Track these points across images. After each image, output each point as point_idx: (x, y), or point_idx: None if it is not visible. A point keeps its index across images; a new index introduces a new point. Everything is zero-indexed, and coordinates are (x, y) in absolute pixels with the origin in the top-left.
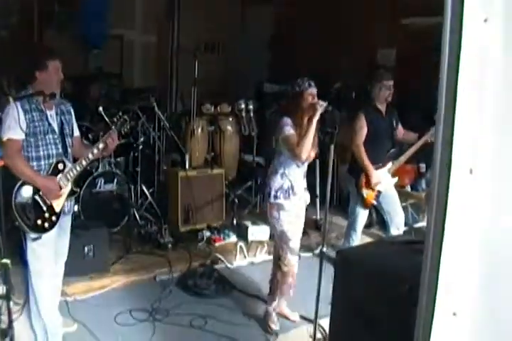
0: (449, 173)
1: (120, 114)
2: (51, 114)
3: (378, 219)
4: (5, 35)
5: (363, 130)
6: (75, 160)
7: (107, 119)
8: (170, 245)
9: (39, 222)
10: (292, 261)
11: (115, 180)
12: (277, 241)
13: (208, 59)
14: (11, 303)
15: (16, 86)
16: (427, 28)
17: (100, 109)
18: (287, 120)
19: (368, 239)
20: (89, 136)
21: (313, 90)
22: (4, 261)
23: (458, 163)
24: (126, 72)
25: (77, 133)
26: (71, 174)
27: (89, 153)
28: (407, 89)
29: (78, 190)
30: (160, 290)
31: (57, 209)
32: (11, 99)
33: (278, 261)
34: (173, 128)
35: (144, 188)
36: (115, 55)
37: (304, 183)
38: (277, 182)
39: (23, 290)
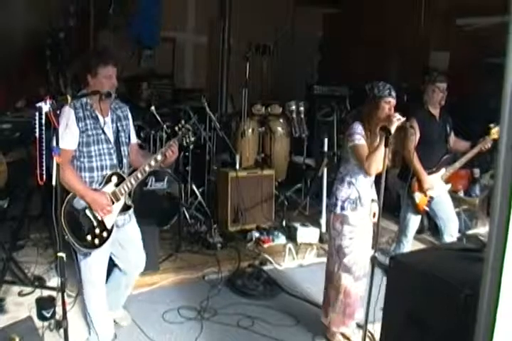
0: None
1: (183, 122)
2: (106, 121)
3: (430, 225)
4: (62, 36)
5: (414, 135)
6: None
7: (158, 118)
8: (219, 245)
9: (89, 237)
10: (344, 280)
11: (166, 179)
12: (333, 255)
13: (259, 60)
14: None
15: (73, 86)
16: (484, 29)
17: (152, 108)
18: (358, 127)
19: (419, 245)
20: (141, 134)
21: (393, 100)
22: (60, 254)
23: None
24: (177, 73)
25: (134, 140)
26: (125, 188)
27: (146, 165)
28: (461, 94)
29: (132, 204)
30: (208, 289)
31: (108, 225)
32: (69, 99)
33: (329, 275)
34: (223, 128)
35: (194, 188)
36: (167, 56)
37: (372, 193)
38: (344, 191)
39: (75, 282)
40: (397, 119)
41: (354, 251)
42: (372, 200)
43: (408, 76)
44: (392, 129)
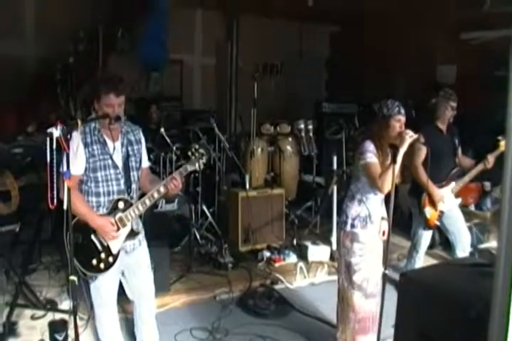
0: None
1: (196, 147)
2: (115, 145)
3: (442, 239)
4: (72, 61)
5: (421, 150)
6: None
7: (168, 140)
8: (230, 265)
9: (94, 262)
10: (355, 297)
11: (176, 200)
12: (343, 272)
13: (267, 80)
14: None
15: (83, 110)
16: (490, 42)
17: (162, 130)
18: (370, 145)
19: (431, 260)
20: (151, 156)
21: (402, 117)
22: (72, 277)
23: None
24: (186, 95)
25: (145, 164)
26: (132, 214)
27: (154, 192)
28: (469, 108)
29: (140, 230)
30: (220, 310)
31: (114, 250)
32: (79, 123)
33: (341, 293)
34: (233, 148)
35: (205, 208)
36: (175, 78)
37: (382, 211)
38: (354, 209)
39: (87, 305)
40: (410, 136)
41: (364, 268)
42: (383, 218)
43: (416, 91)
44: (405, 146)
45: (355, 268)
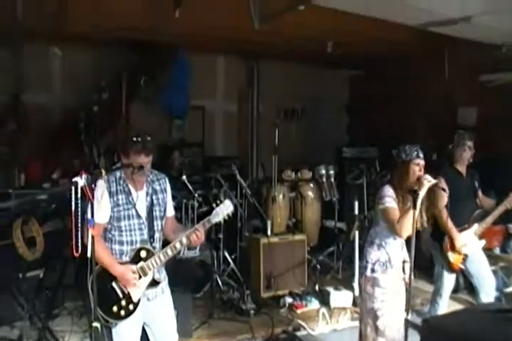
0: None
1: (221, 198)
2: (140, 195)
3: (466, 283)
4: (96, 110)
5: (443, 193)
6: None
7: (190, 187)
8: (252, 311)
9: (115, 308)
10: None
11: (198, 247)
12: (365, 318)
13: (288, 125)
14: None
15: (106, 157)
16: (508, 85)
17: (184, 177)
18: (389, 190)
19: (455, 305)
20: (173, 203)
21: (421, 161)
22: (95, 324)
23: None
24: (207, 141)
25: (170, 213)
26: (153, 263)
27: (176, 243)
28: (490, 150)
29: (162, 279)
30: None
31: (134, 298)
32: (103, 173)
33: (363, 339)
34: (254, 194)
35: (227, 254)
36: (197, 125)
37: (402, 255)
38: (374, 254)
39: None
40: (428, 181)
41: (386, 313)
42: (405, 262)
43: (436, 133)
44: (423, 191)
45: (378, 313)
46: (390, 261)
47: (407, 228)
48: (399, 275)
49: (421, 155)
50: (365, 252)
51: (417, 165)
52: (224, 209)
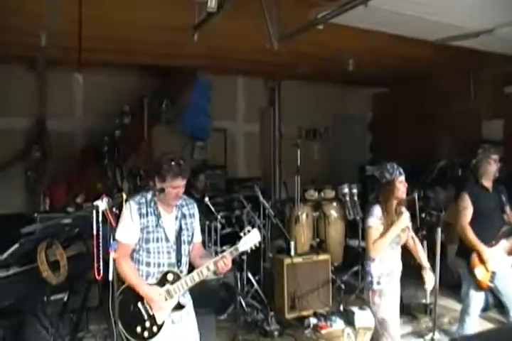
0: None
1: (249, 228)
2: (170, 218)
3: (496, 301)
4: (119, 134)
5: (467, 210)
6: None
7: (212, 209)
8: (276, 332)
9: (139, 329)
10: None
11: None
12: (378, 329)
13: (310, 145)
14: None
15: (129, 180)
16: None
17: (206, 199)
18: (376, 209)
19: (485, 324)
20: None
21: (403, 178)
22: None
23: None
24: (230, 162)
25: (198, 239)
26: (180, 288)
27: (203, 268)
28: None
29: (187, 303)
30: None
31: (159, 321)
32: (124, 197)
33: None
34: (277, 215)
35: (250, 276)
36: (219, 147)
37: (401, 265)
38: (377, 268)
39: None
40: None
41: (396, 319)
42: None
43: (461, 148)
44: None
45: (389, 322)
46: (392, 272)
47: (378, 248)
48: (398, 281)
49: (402, 171)
50: (367, 268)
51: (401, 182)
52: (252, 239)
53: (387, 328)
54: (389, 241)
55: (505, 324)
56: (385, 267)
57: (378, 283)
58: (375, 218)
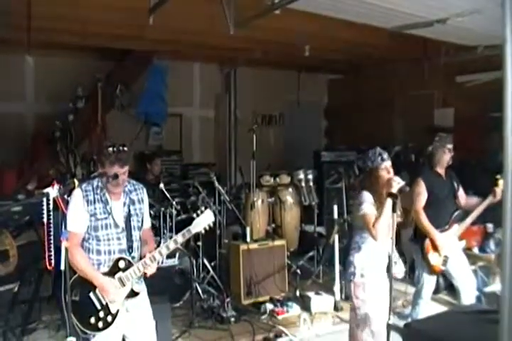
0: None
1: (202, 208)
2: (118, 204)
3: (446, 283)
4: (72, 119)
5: (421, 196)
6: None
7: (168, 195)
8: (233, 319)
9: (92, 320)
10: None
11: (177, 255)
12: (359, 324)
13: (266, 130)
14: None
15: (83, 165)
16: (485, 84)
17: (161, 185)
18: (367, 196)
19: (436, 305)
20: (151, 211)
21: (388, 163)
22: (70, 339)
23: None
24: (185, 148)
25: (147, 225)
26: (132, 274)
27: (155, 253)
28: (468, 150)
29: (140, 290)
30: None
31: (113, 310)
32: (76, 183)
33: None
34: (233, 201)
35: (206, 262)
36: (175, 132)
37: (387, 256)
38: (361, 259)
39: None
40: (397, 183)
41: (378, 316)
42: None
43: (414, 135)
44: (394, 191)
45: (372, 317)
46: (377, 264)
47: (382, 231)
48: (384, 276)
49: (385, 157)
50: (351, 259)
51: (385, 169)
52: (204, 220)
53: (370, 324)
54: (388, 220)
55: (455, 306)
56: (369, 259)
57: (362, 275)
58: (368, 203)
